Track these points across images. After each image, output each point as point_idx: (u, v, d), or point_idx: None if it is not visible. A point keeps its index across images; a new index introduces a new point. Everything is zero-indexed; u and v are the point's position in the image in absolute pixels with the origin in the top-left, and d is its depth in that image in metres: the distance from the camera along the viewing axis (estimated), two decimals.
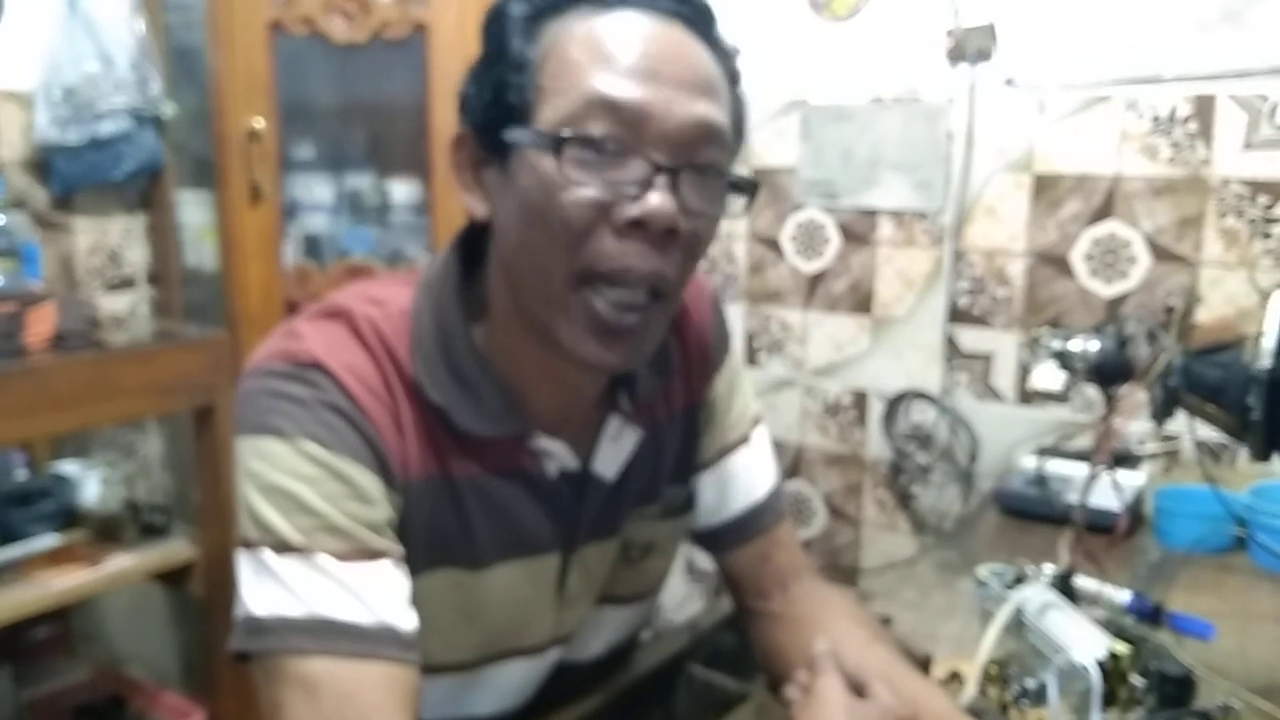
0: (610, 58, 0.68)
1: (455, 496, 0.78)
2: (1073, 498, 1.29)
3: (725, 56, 0.74)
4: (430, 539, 0.77)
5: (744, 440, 0.96)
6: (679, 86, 0.69)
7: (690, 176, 0.69)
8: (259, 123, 1.87)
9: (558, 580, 0.85)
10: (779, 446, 2.46)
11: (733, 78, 0.75)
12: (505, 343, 0.78)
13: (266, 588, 0.69)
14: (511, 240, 0.72)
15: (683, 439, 0.92)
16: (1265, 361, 0.82)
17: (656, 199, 0.67)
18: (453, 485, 0.77)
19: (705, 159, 0.71)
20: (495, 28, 0.72)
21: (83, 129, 1.83)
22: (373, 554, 0.71)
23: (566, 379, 0.80)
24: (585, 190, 0.67)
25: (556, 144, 0.67)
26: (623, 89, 0.67)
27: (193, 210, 2.04)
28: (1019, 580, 0.95)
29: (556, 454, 0.81)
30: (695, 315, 0.93)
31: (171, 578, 1.82)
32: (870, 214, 2.29)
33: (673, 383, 0.89)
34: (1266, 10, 1.83)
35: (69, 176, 1.88)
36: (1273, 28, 1.82)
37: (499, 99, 0.70)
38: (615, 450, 0.84)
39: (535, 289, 0.72)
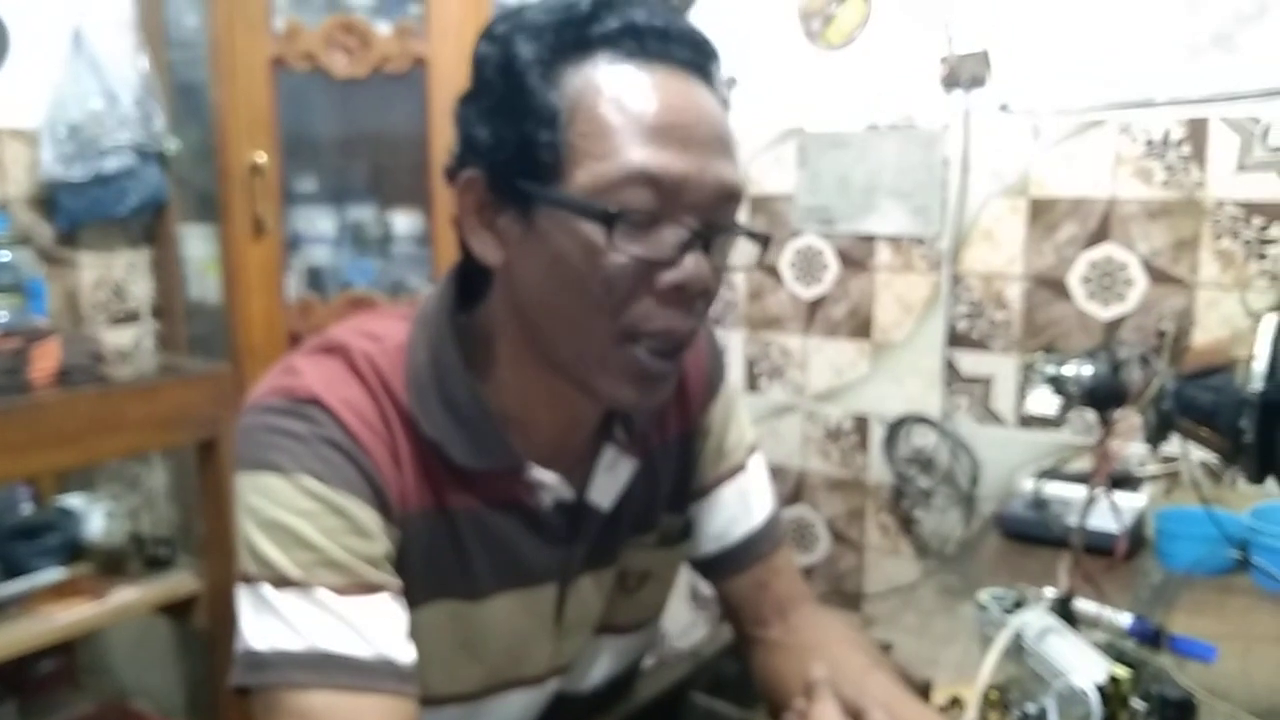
0: (646, 125, 0.68)
1: (452, 529, 0.78)
2: (1072, 520, 1.30)
3: (724, 100, 0.76)
4: (428, 571, 0.78)
5: (741, 468, 0.96)
6: (710, 152, 0.70)
7: (718, 237, 0.72)
8: (261, 157, 1.89)
9: (555, 610, 0.85)
10: (781, 472, 2.46)
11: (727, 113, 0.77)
12: (509, 379, 0.78)
13: (266, 622, 0.69)
14: (538, 294, 0.72)
15: (679, 468, 0.93)
16: (1256, 385, 0.83)
17: (693, 264, 0.69)
18: (450, 518, 0.78)
19: (730, 219, 0.73)
20: (505, 68, 0.71)
21: (87, 165, 1.86)
22: (371, 588, 0.71)
23: (572, 413, 0.81)
24: (628, 259, 0.68)
25: (607, 218, 0.67)
26: (663, 162, 0.68)
27: (196, 244, 2.06)
28: (1019, 604, 0.95)
29: (551, 485, 0.81)
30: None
31: (176, 610, 1.83)
32: (868, 240, 2.30)
33: (667, 411, 0.90)
34: (1256, 33, 1.85)
35: (74, 212, 1.90)
36: (1263, 51, 1.84)
37: (523, 152, 0.70)
38: (610, 480, 0.85)
39: (569, 342, 0.72)
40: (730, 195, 0.72)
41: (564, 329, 0.72)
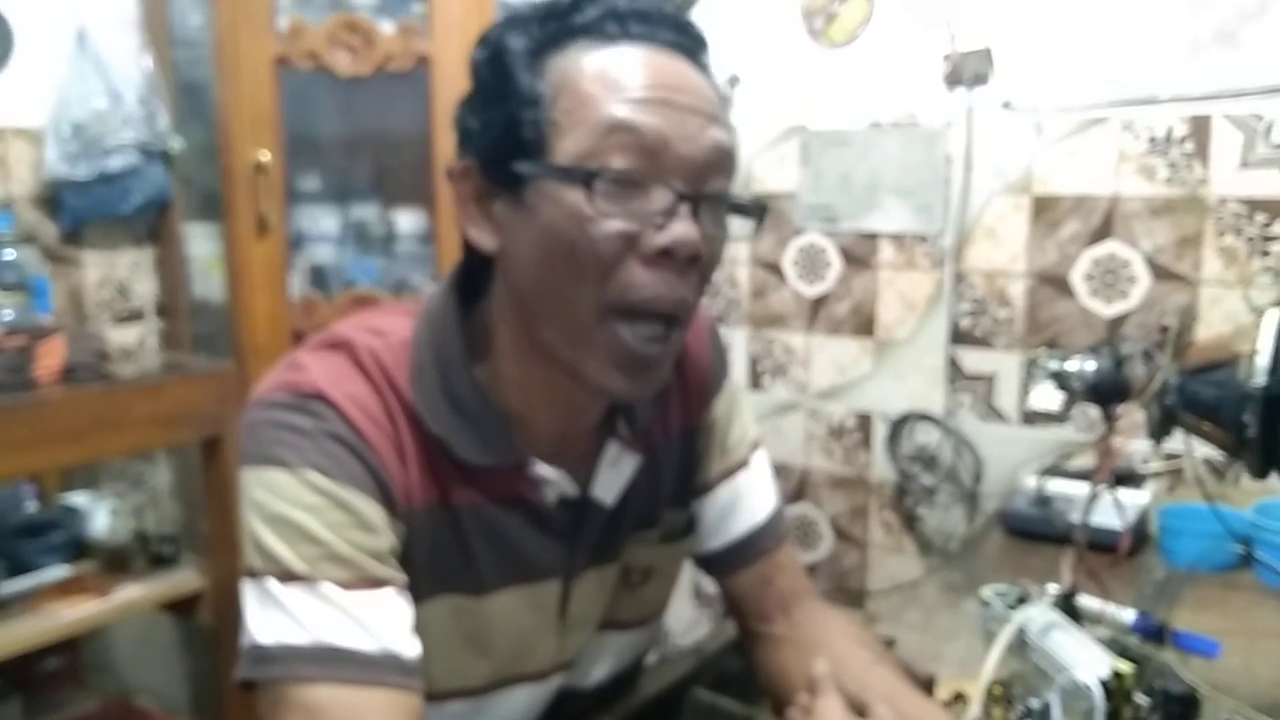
0: (625, 88, 0.69)
1: (456, 524, 0.79)
2: (1075, 517, 1.30)
3: (717, 86, 0.76)
4: (432, 566, 0.78)
5: (743, 464, 0.96)
6: (693, 114, 0.70)
7: (707, 202, 0.71)
8: (265, 156, 1.89)
9: (559, 606, 0.86)
10: (784, 470, 2.46)
11: (724, 105, 0.77)
12: (511, 372, 0.79)
13: (271, 616, 0.70)
14: (530, 273, 0.73)
15: (682, 463, 0.93)
16: (1259, 379, 0.83)
17: (681, 227, 0.69)
18: (454, 513, 0.78)
19: (719, 185, 0.73)
20: (494, 62, 0.73)
21: (92, 164, 1.86)
22: (376, 582, 0.72)
23: (573, 407, 0.81)
24: (614, 222, 0.68)
25: (587, 178, 0.68)
26: (644, 118, 0.68)
27: (200, 243, 2.06)
28: (1022, 600, 0.95)
29: (555, 481, 0.81)
30: (693, 340, 0.93)
31: (180, 607, 1.83)
32: (871, 237, 2.30)
33: (670, 406, 0.90)
34: (1259, 30, 1.85)
35: (78, 211, 1.91)
36: (1265, 47, 1.84)
37: (510, 133, 0.71)
38: (614, 476, 0.85)
39: (558, 321, 0.72)
40: (721, 160, 0.72)
41: (551, 305, 0.72)
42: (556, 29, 0.72)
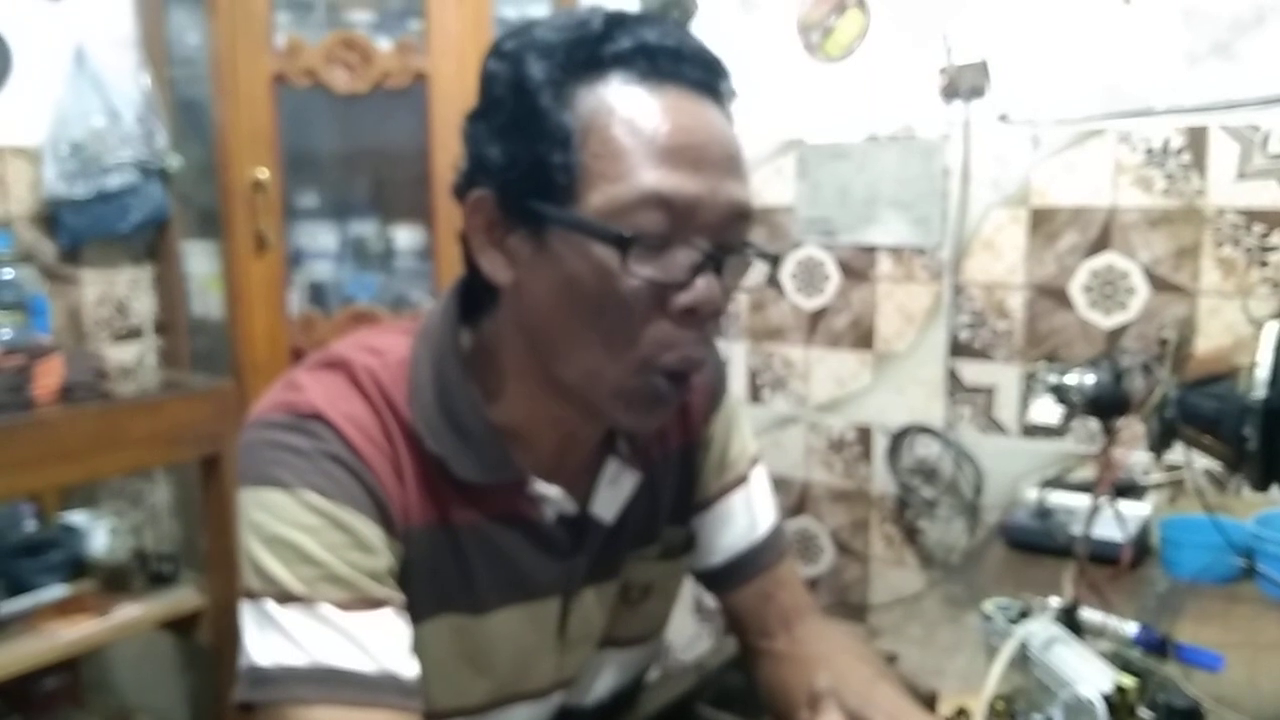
0: (658, 147, 0.68)
1: (455, 543, 0.78)
2: (1076, 530, 1.29)
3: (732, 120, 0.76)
4: (432, 586, 0.78)
5: (743, 480, 0.96)
6: (721, 174, 0.70)
7: (729, 258, 0.72)
8: (263, 173, 1.89)
9: (559, 624, 0.85)
10: (784, 483, 2.46)
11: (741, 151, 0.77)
12: (512, 393, 0.78)
13: (270, 638, 0.69)
14: (549, 314, 0.72)
15: (681, 480, 0.93)
16: (1259, 392, 0.82)
17: (705, 286, 0.69)
18: (453, 532, 0.78)
19: (740, 239, 0.73)
20: (517, 87, 0.70)
21: (90, 183, 1.86)
22: (374, 603, 0.71)
23: (575, 428, 0.81)
24: (642, 280, 0.68)
25: (621, 241, 0.67)
26: (676, 184, 0.68)
27: (199, 260, 2.06)
28: (1024, 614, 0.95)
29: (554, 499, 0.81)
30: None
31: (180, 626, 1.82)
32: (869, 250, 2.31)
33: (669, 424, 0.90)
34: (1255, 42, 1.85)
35: (76, 229, 1.91)
36: (1262, 58, 1.85)
37: (535, 173, 0.69)
38: (613, 493, 0.85)
39: (582, 366, 0.72)
40: (741, 216, 0.72)
41: (576, 351, 0.72)
42: (585, 57, 0.70)
